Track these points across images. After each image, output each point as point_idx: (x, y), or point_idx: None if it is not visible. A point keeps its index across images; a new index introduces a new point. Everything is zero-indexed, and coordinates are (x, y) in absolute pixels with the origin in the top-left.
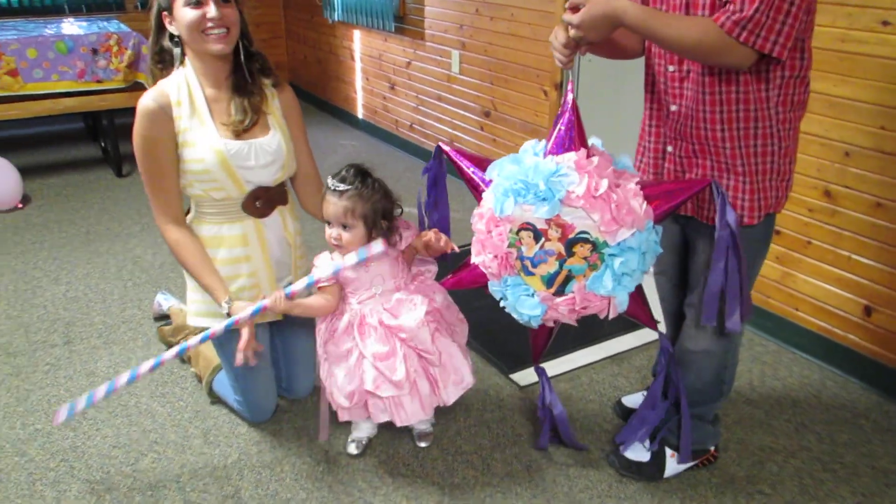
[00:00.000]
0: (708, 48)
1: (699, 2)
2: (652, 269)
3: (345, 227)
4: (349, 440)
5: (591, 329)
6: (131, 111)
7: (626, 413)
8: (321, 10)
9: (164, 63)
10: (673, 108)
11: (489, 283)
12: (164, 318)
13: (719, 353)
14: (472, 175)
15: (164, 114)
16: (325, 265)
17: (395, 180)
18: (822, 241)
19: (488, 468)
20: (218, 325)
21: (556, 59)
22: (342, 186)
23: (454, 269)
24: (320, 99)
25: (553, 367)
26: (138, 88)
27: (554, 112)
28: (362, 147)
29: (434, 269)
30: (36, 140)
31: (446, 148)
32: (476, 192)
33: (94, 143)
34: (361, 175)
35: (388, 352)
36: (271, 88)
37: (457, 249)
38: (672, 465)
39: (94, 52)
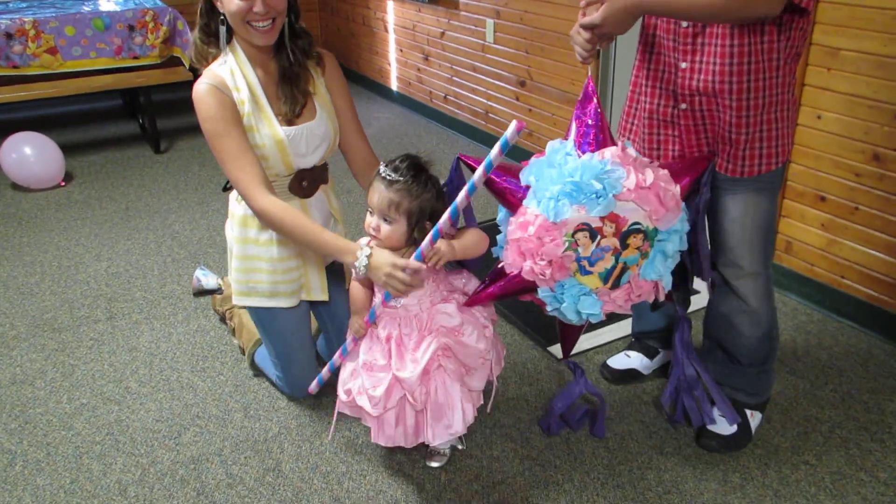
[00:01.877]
0: (738, 4)
1: None
2: None
3: (386, 219)
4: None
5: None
6: (168, 87)
7: (615, 375)
8: None
9: (209, 37)
10: (683, 65)
11: (539, 290)
12: (203, 293)
13: (765, 309)
14: (500, 181)
15: (225, 95)
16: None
17: (429, 153)
18: (869, 207)
19: (527, 441)
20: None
21: (578, 55)
22: (393, 176)
23: (481, 281)
24: (354, 71)
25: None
26: (174, 64)
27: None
28: (396, 120)
29: (474, 283)
30: (75, 117)
31: (466, 159)
32: (505, 199)
33: (132, 119)
34: (416, 169)
35: (383, 367)
36: (315, 67)
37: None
38: (754, 423)
39: (131, 28)
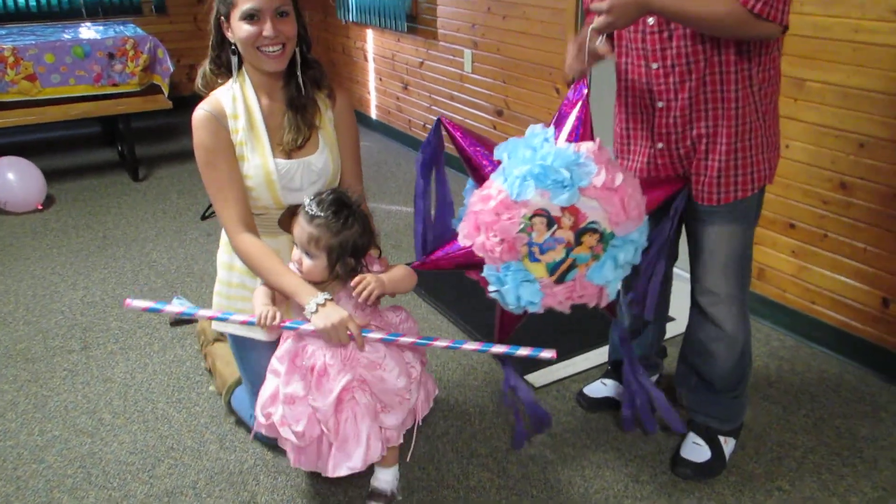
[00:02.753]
0: (736, 20)
1: None
2: None
3: (308, 254)
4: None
5: (577, 338)
6: (147, 115)
7: (590, 403)
8: (334, 10)
9: (220, 68)
10: (659, 104)
11: (485, 267)
12: (180, 322)
13: (741, 333)
14: (474, 154)
15: (220, 124)
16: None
17: (408, 181)
18: (838, 234)
19: (504, 471)
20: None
21: (569, 68)
22: (314, 211)
23: (432, 248)
24: None
25: (540, 377)
26: (154, 92)
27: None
28: (375, 147)
29: (414, 326)
30: (53, 144)
31: (447, 122)
32: (476, 171)
33: (111, 147)
34: (338, 205)
35: (301, 398)
36: (325, 99)
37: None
38: (728, 449)
39: (111, 56)
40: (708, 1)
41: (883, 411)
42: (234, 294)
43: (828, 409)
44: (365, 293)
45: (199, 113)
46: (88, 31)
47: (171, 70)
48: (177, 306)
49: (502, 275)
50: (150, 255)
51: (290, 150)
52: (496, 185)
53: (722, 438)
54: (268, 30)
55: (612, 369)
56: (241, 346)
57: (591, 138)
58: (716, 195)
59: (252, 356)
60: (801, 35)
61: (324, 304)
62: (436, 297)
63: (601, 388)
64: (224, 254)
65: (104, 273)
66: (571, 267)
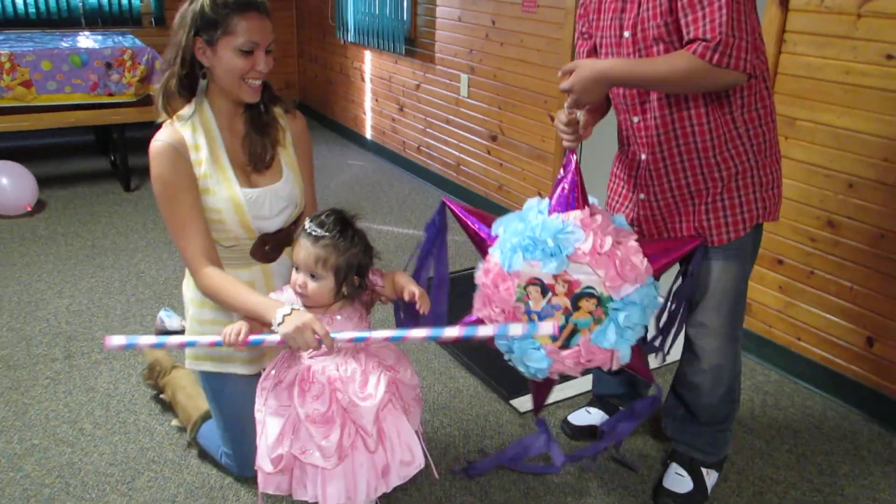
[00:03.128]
0: (699, 76)
1: (652, 52)
2: None
3: (313, 276)
4: None
5: None
6: (141, 126)
7: (574, 431)
8: (334, 30)
9: (186, 89)
10: (643, 156)
11: (495, 337)
12: (166, 334)
13: (729, 368)
14: (478, 231)
15: (181, 157)
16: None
17: (400, 202)
18: (824, 272)
19: (486, 495)
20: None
21: (564, 141)
22: (319, 232)
23: (457, 320)
24: (329, 118)
25: (525, 402)
26: (149, 103)
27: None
28: (369, 168)
29: (405, 363)
30: (47, 151)
31: (451, 203)
32: (480, 247)
33: (104, 156)
34: (342, 223)
35: (327, 415)
36: (284, 118)
37: (426, 313)
38: (710, 481)
39: (108, 65)
40: (666, 61)
41: (864, 450)
42: (207, 331)
43: (810, 446)
44: (424, 306)
45: (158, 144)
46: (87, 41)
47: None
48: (150, 338)
49: (510, 342)
50: (139, 265)
51: (255, 178)
52: (493, 258)
53: (704, 470)
54: (262, 65)
55: (597, 399)
56: (216, 382)
57: (586, 204)
58: (708, 237)
59: (227, 391)
60: (793, 75)
61: (290, 314)
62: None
63: (585, 416)
64: (190, 290)
65: (91, 282)
66: (574, 332)
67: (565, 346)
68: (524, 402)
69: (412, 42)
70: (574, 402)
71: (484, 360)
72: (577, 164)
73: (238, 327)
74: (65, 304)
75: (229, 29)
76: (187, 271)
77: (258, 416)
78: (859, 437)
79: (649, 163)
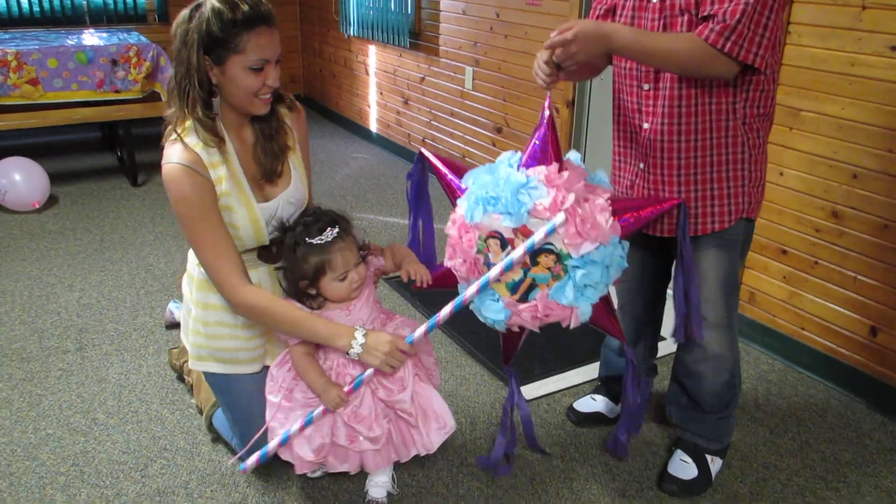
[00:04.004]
0: (698, 60)
1: (676, 21)
2: None
3: (353, 269)
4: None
5: (569, 353)
6: (147, 121)
7: (580, 418)
8: (338, 24)
9: (211, 111)
10: (645, 125)
11: (458, 285)
12: (175, 325)
13: (728, 356)
14: (451, 182)
15: (200, 176)
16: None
17: (405, 194)
18: (828, 262)
19: (493, 481)
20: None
21: (539, 80)
22: (334, 231)
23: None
24: (334, 112)
25: (531, 390)
26: (155, 99)
27: (564, 130)
28: (374, 161)
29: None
30: (54, 148)
31: (427, 154)
32: (453, 198)
33: (111, 152)
34: (328, 218)
35: (366, 412)
36: (289, 116)
37: (427, 284)
38: (714, 468)
39: (114, 62)
40: (673, 39)
41: (867, 438)
42: (212, 332)
43: (813, 434)
44: (425, 278)
45: (174, 167)
46: (92, 38)
47: None
48: (274, 442)
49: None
50: (147, 259)
51: (269, 189)
52: (459, 209)
53: (709, 457)
54: (273, 80)
55: (603, 385)
56: (222, 381)
57: (559, 159)
58: (694, 225)
59: (233, 389)
60: (798, 66)
61: (364, 341)
62: (428, 306)
63: (591, 404)
64: (198, 292)
65: (101, 276)
66: (532, 287)
67: (523, 299)
68: (530, 390)
69: (416, 35)
70: (579, 390)
71: (488, 347)
72: (552, 118)
73: (338, 391)
74: (75, 298)
75: (239, 48)
76: (190, 271)
77: (272, 399)
78: (862, 426)
79: (650, 132)
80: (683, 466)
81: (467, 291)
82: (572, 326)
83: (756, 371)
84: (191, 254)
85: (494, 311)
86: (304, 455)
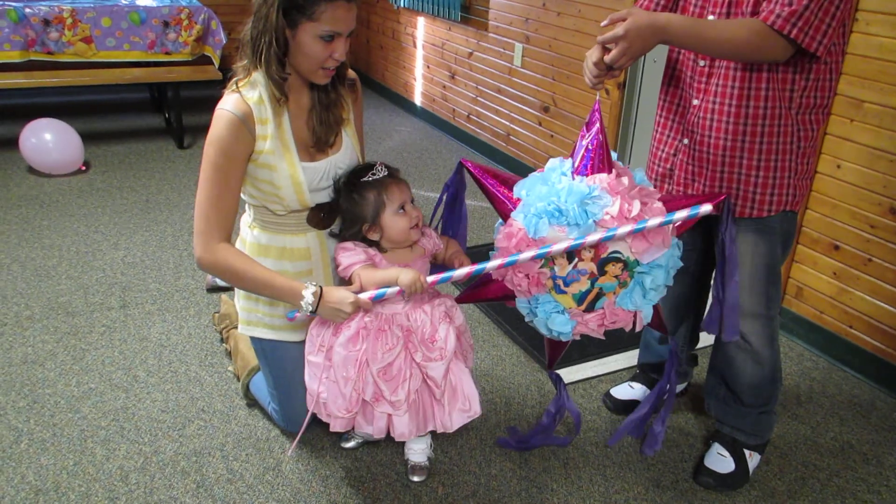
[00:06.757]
0: (755, 45)
1: (742, 1)
2: None
3: (412, 200)
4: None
5: (609, 337)
6: (196, 84)
7: (617, 405)
8: None
9: (284, 70)
10: (695, 101)
11: (517, 299)
12: (216, 289)
13: (768, 350)
14: (497, 193)
15: (246, 130)
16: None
17: (448, 170)
18: (882, 259)
19: (525, 462)
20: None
21: (587, 80)
22: (384, 170)
23: (471, 282)
24: (379, 83)
25: (568, 374)
26: (204, 62)
27: (614, 112)
28: (417, 134)
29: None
30: (103, 107)
31: (470, 164)
32: (500, 209)
33: (158, 113)
34: (369, 165)
35: (395, 371)
36: (347, 91)
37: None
38: (752, 463)
39: (166, 24)
40: (733, 26)
41: None
42: (261, 298)
43: (856, 435)
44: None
45: (226, 114)
46: None
47: (224, 42)
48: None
49: (533, 306)
50: (191, 221)
51: (316, 153)
52: (516, 223)
53: (747, 452)
54: (340, 53)
55: (642, 372)
56: (269, 347)
57: (608, 166)
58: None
59: (278, 355)
60: (864, 55)
61: (317, 292)
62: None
63: (628, 391)
64: (246, 248)
65: (146, 235)
66: (599, 296)
67: (589, 309)
68: (567, 373)
69: (467, 9)
70: (617, 377)
71: (527, 330)
72: (602, 122)
73: (415, 275)
74: (120, 256)
75: (315, 15)
76: (243, 235)
77: (313, 359)
78: None
79: (699, 109)
80: (721, 460)
81: (490, 263)
82: (637, 330)
83: (799, 367)
84: (243, 218)
85: (561, 324)
86: (336, 412)
